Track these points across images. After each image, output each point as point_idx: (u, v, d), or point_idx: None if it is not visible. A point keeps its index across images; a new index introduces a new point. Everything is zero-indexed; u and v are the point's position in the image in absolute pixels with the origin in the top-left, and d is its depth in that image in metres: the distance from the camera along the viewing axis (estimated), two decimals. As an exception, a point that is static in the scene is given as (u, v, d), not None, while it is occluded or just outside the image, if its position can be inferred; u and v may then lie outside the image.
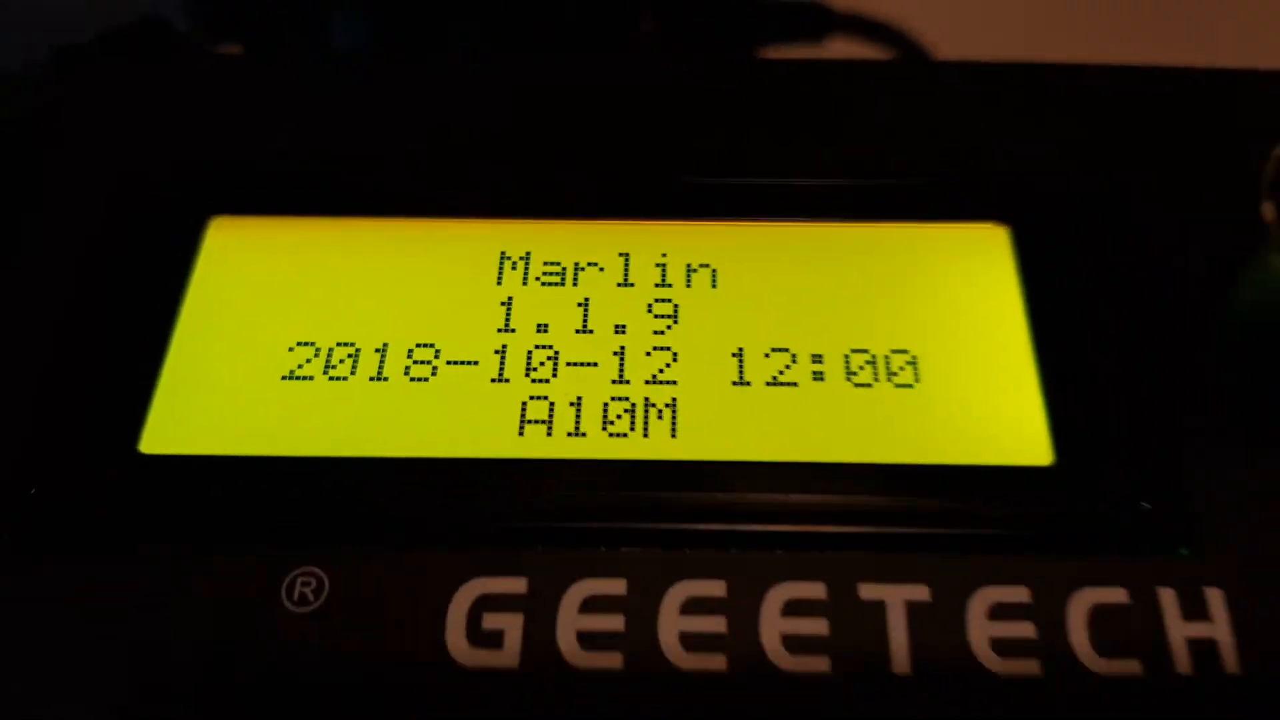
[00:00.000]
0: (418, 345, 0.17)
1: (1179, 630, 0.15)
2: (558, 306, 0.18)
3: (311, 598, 0.15)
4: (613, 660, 0.15)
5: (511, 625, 0.15)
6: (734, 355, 0.17)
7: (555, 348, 0.18)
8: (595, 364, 0.17)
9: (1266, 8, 0.34)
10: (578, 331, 0.18)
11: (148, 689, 0.15)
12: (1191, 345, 0.17)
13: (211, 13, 0.26)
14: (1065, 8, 0.37)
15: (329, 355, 0.17)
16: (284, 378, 0.17)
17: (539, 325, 0.18)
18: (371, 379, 0.17)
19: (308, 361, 0.17)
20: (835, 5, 0.35)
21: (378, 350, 0.17)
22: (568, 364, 0.17)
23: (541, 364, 0.17)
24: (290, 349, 0.17)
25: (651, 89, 0.20)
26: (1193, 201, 0.18)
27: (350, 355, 0.17)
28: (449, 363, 0.17)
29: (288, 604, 0.15)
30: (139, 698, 0.15)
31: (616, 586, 0.15)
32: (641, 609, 0.15)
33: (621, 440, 0.17)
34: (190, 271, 0.18)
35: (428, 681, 0.15)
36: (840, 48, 0.35)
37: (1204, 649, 0.15)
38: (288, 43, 0.27)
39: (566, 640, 0.15)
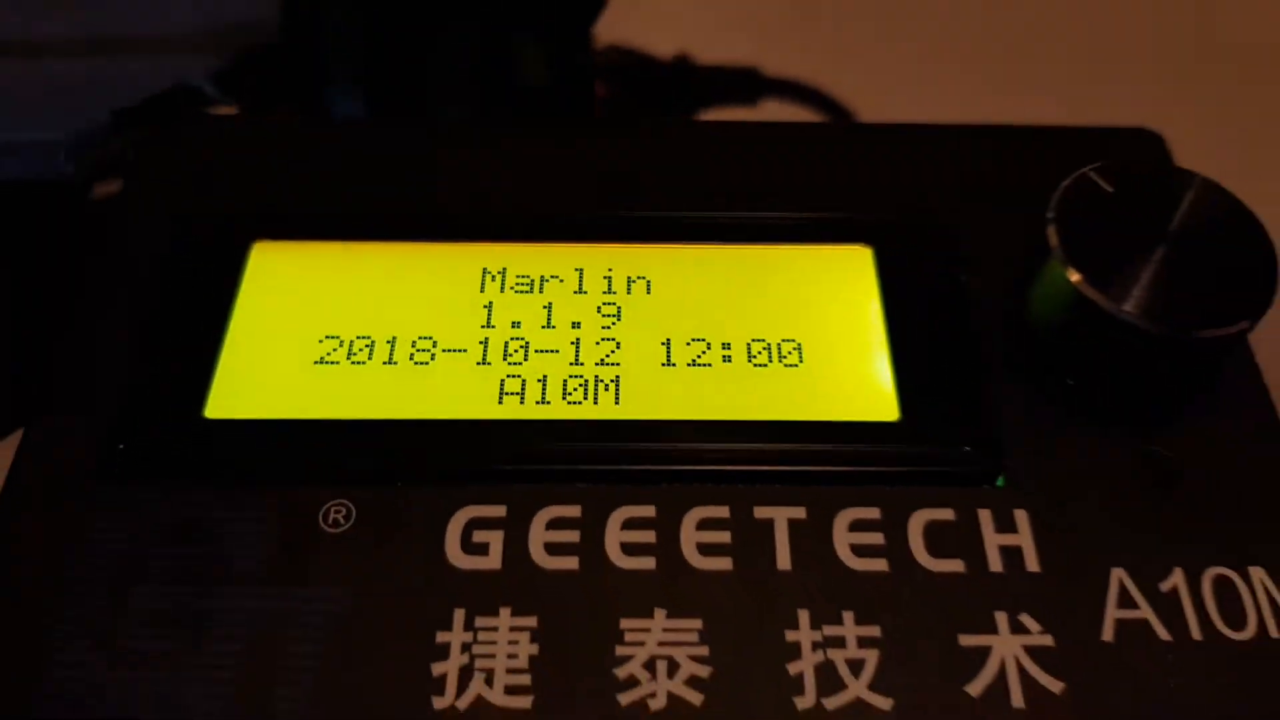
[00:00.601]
0: (419, 337, 0.23)
1: (993, 540, 0.21)
2: (528, 309, 0.23)
3: (343, 522, 0.20)
4: (570, 563, 0.20)
5: (495, 539, 0.20)
6: (663, 344, 0.23)
7: (526, 339, 0.23)
8: (557, 351, 0.22)
9: (1091, 75, 0.41)
10: (543, 327, 0.23)
11: (213, 589, 0.19)
12: (1003, 332, 0.23)
13: (233, 84, 0.31)
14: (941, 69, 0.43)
15: (350, 345, 0.22)
16: (315, 362, 0.22)
17: (513, 323, 0.23)
18: (384, 363, 0.22)
19: (334, 350, 0.22)
20: (765, 71, 0.41)
21: (388, 341, 0.22)
22: (535, 351, 0.22)
23: (515, 351, 0.22)
24: (320, 341, 0.22)
25: (602, 145, 0.25)
26: (1007, 227, 0.24)
27: (367, 345, 0.22)
28: (444, 351, 0.22)
29: (324, 527, 0.20)
30: (204, 597, 0.19)
31: (573, 511, 0.20)
32: (592, 526, 0.20)
33: (577, 406, 0.22)
34: (239, 283, 0.23)
35: (431, 581, 0.20)
36: (771, 107, 0.41)
37: (1012, 553, 0.20)
38: (296, 111, 0.33)
39: (536, 549, 0.20)
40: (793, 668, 0.19)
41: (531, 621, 0.19)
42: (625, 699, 0.18)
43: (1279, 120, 0.42)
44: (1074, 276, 0.21)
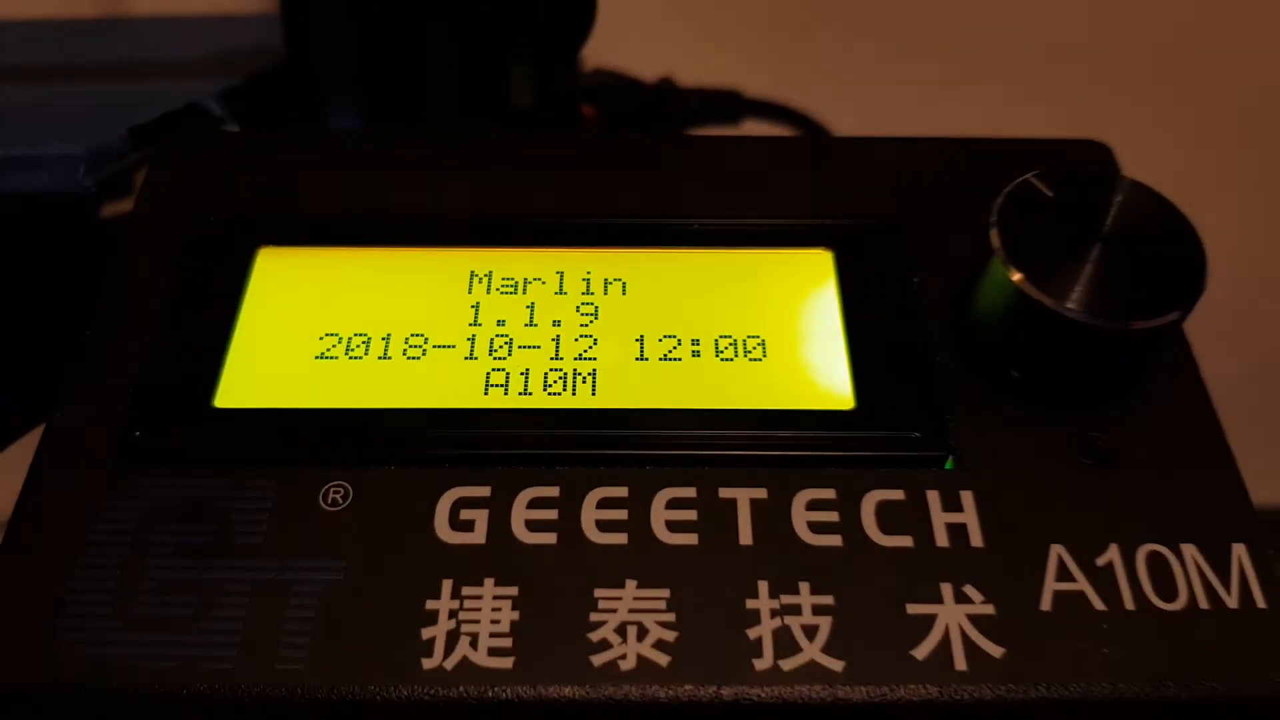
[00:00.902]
0: (412, 334, 0.24)
1: (940, 518, 0.22)
2: (512, 308, 0.25)
3: (341, 501, 0.22)
4: (549, 539, 0.21)
5: (480, 517, 0.22)
6: (637, 340, 0.24)
7: (510, 336, 0.24)
8: (539, 347, 0.24)
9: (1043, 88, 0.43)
10: (526, 325, 0.25)
11: (221, 561, 0.21)
12: (950, 326, 0.25)
13: (239, 105, 0.33)
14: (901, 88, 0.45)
15: (349, 341, 0.24)
16: (316, 357, 0.24)
17: (498, 321, 0.25)
18: (380, 358, 0.24)
19: (333, 346, 0.24)
20: (746, 92, 0.42)
21: (383, 338, 0.24)
22: (519, 347, 0.24)
23: (500, 347, 0.24)
24: (320, 338, 0.24)
25: (582, 157, 0.27)
26: (961, 231, 0.26)
27: (364, 342, 0.24)
28: (435, 346, 0.24)
29: (324, 506, 0.22)
30: (212, 569, 0.21)
31: (552, 491, 0.22)
32: (570, 505, 0.22)
33: (556, 397, 0.23)
34: (246, 285, 0.25)
35: (421, 555, 0.21)
36: (751, 126, 0.43)
37: (958, 530, 0.22)
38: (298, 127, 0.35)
39: (518, 526, 0.22)
40: (752, 633, 0.21)
41: (513, 591, 0.21)
42: (598, 660, 0.20)
43: (1223, 133, 0.44)
44: (1015, 276, 0.23)
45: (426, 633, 0.20)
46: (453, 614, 0.20)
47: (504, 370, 0.24)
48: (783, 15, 0.51)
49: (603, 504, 0.22)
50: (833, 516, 0.22)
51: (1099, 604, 0.21)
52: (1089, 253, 0.23)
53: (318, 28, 0.35)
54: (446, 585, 0.21)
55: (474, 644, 0.20)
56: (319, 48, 0.35)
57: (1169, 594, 0.22)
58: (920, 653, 0.21)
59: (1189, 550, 0.22)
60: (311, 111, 0.35)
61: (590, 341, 0.24)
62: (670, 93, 0.42)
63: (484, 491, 0.22)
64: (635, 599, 0.21)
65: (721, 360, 0.24)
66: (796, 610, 0.21)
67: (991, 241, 0.23)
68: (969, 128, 0.30)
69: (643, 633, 0.20)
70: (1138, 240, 0.23)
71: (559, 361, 0.24)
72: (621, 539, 0.22)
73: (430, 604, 0.21)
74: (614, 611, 0.21)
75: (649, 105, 0.42)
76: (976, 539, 0.22)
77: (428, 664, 0.20)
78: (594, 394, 0.24)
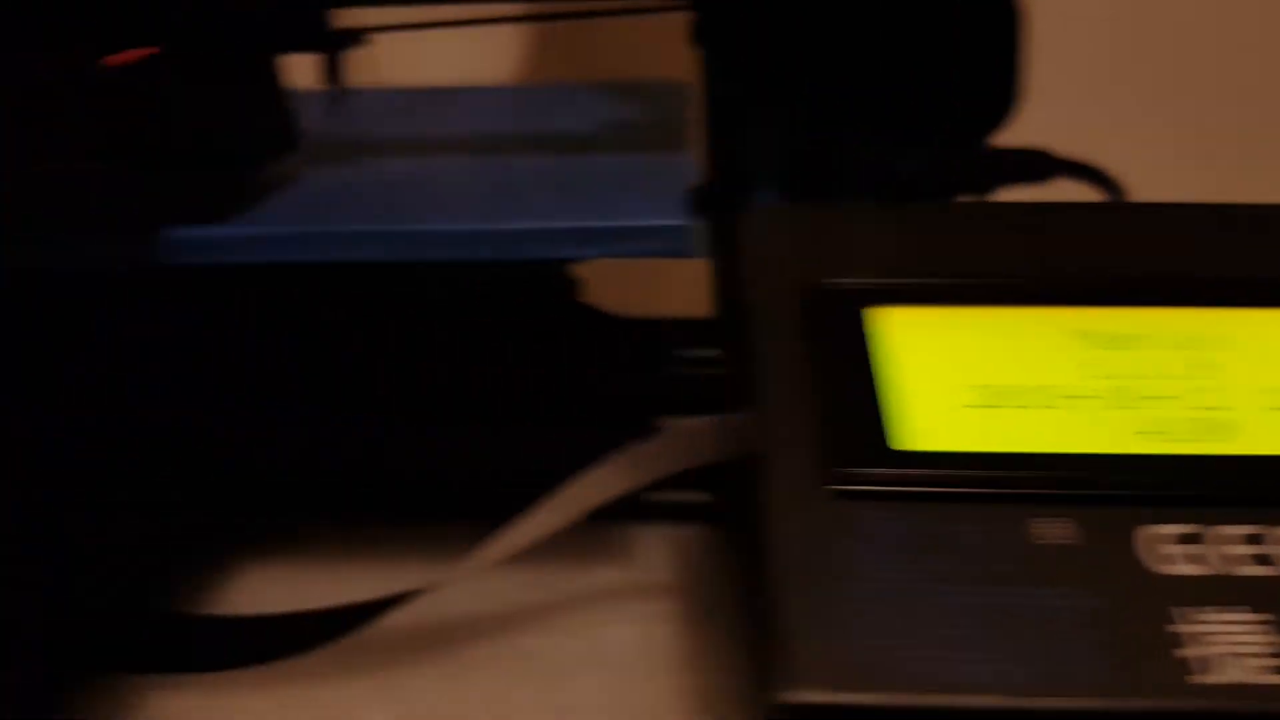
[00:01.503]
0: (1043, 385, 0.26)
1: None
2: (1129, 363, 0.27)
3: (1051, 535, 0.23)
4: (1262, 570, 0.22)
5: (1188, 551, 0.23)
6: (1258, 391, 0.26)
7: (1137, 389, 0.26)
8: (1167, 397, 0.26)
9: None
10: (1150, 378, 0.26)
11: (966, 590, 0.22)
12: None
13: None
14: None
15: (990, 391, 0.26)
16: (967, 406, 0.26)
17: (1121, 374, 0.26)
18: (1019, 406, 0.26)
19: (979, 396, 0.26)
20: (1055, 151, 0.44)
21: (1020, 388, 0.26)
22: (1146, 397, 0.26)
23: (1133, 398, 0.26)
24: (964, 388, 0.26)
25: (1124, 223, 0.30)
26: None
27: (1002, 391, 0.26)
28: (1070, 397, 0.26)
29: (1033, 540, 0.23)
30: (962, 594, 0.22)
31: (1251, 529, 0.23)
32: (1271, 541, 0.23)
33: (1192, 442, 0.25)
34: (874, 342, 0.27)
35: (1145, 584, 0.22)
36: (1060, 186, 0.44)
37: None
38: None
39: (1227, 560, 0.23)
40: None
41: (1253, 616, 0.22)
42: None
43: None
44: None
45: (1181, 653, 0.21)
46: (1200, 637, 0.21)
47: (1145, 417, 0.25)
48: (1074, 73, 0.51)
49: (1284, 541, 0.23)
50: None
51: None
52: None
53: (743, 125, 0.38)
54: (1181, 612, 0.22)
55: (1232, 665, 0.21)
56: (743, 138, 0.39)
57: None
58: None
59: None
60: (737, 187, 0.39)
61: (1211, 392, 0.26)
62: (989, 154, 0.44)
63: (1182, 529, 0.23)
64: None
65: (1349, 414, 0.25)
66: None
67: None
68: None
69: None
70: None
71: (1192, 411, 0.25)
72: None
73: (1172, 628, 0.22)
74: (1351, 641, 0.21)
75: (973, 167, 0.44)
76: None
77: (1193, 680, 0.21)
78: (1227, 441, 0.25)
